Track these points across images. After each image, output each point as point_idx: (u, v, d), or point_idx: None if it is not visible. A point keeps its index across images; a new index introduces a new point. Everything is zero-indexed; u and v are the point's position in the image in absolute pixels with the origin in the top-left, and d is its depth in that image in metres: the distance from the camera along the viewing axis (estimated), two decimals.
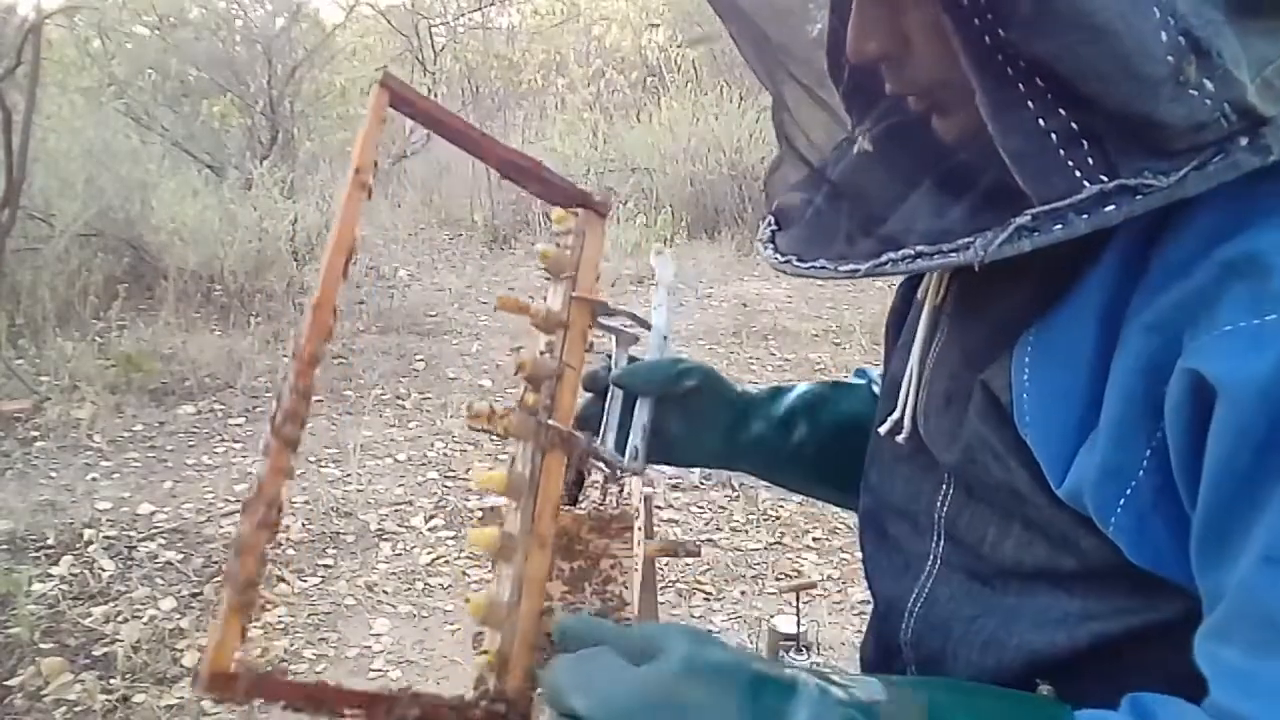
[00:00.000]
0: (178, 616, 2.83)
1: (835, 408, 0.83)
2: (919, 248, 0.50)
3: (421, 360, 5.11)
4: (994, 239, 0.46)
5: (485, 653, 0.63)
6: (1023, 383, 0.52)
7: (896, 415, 0.64)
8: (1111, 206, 0.44)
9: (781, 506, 3.44)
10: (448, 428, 4.23)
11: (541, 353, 0.74)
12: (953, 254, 0.48)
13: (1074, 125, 0.44)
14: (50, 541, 3.18)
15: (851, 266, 0.54)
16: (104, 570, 3.04)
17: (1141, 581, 0.49)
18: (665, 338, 0.81)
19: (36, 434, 4.00)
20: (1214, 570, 0.45)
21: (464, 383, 4.82)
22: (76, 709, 2.44)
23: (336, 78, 7.42)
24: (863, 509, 0.71)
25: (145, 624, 2.77)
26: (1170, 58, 0.42)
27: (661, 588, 2.85)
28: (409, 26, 7.83)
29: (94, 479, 3.68)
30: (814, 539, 3.31)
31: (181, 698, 2.51)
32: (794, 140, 0.67)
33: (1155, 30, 0.41)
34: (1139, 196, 0.43)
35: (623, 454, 0.75)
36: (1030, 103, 0.44)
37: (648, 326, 0.82)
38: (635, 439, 0.75)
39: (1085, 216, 0.44)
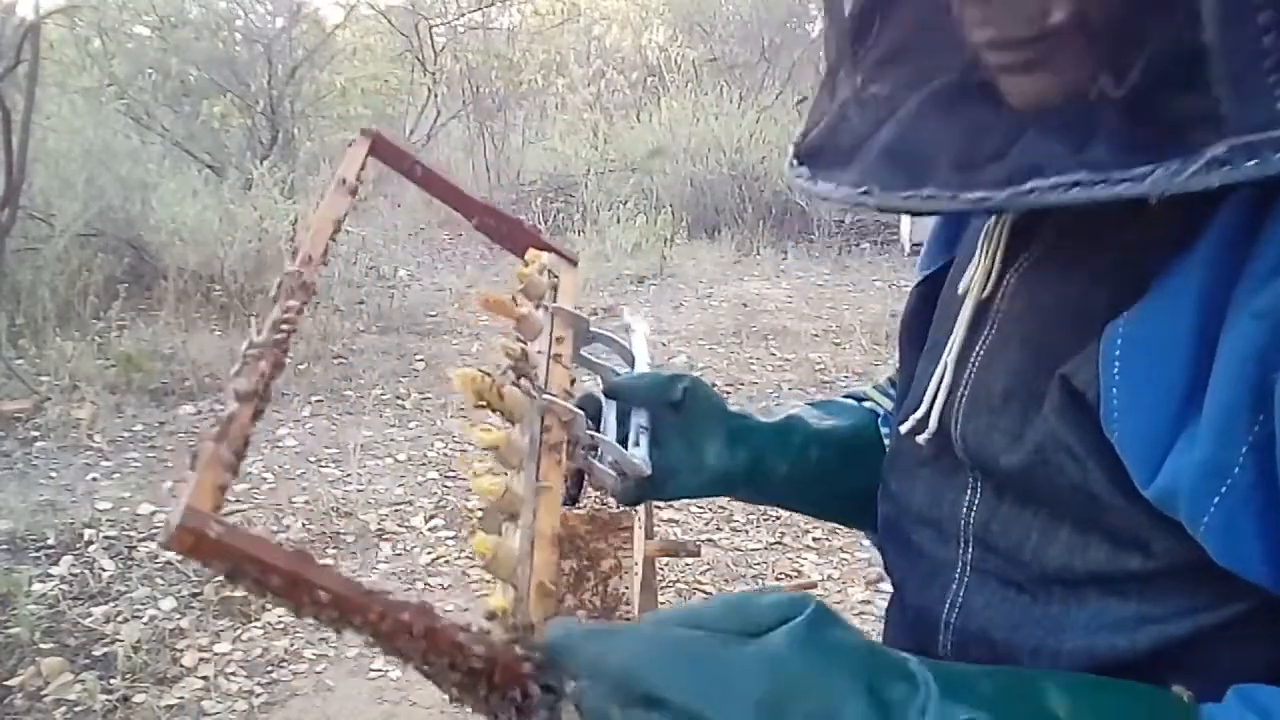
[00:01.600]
0: (178, 616, 2.83)
1: (834, 423, 0.80)
2: (1079, 175, 0.43)
3: (421, 360, 5.11)
4: (1182, 169, 0.41)
5: (494, 614, 0.57)
6: (1113, 376, 0.48)
7: (920, 414, 0.61)
8: None
9: None
10: (448, 428, 4.23)
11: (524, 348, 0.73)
12: (1125, 183, 0.42)
13: None
14: (50, 541, 3.18)
15: (980, 195, 0.47)
16: (104, 570, 3.04)
17: (1206, 582, 0.48)
18: (649, 365, 0.80)
19: (36, 434, 4.00)
20: None
21: None
22: (76, 709, 2.44)
23: (336, 78, 7.42)
24: (882, 518, 0.69)
25: (145, 624, 2.77)
26: None
27: (661, 588, 2.85)
28: (409, 26, 7.81)
29: (94, 479, 3.68)
30: (814, 539, 3.31)
31: (181, 698, 2.51)
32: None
33: None
34: None
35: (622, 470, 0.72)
36: (1259, 17, 0.40)
37: (630, 355, 0.80)
38: (634, 437, 0.72)
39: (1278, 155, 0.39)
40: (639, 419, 0.73)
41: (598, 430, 0.72)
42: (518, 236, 0.83)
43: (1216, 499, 0.45)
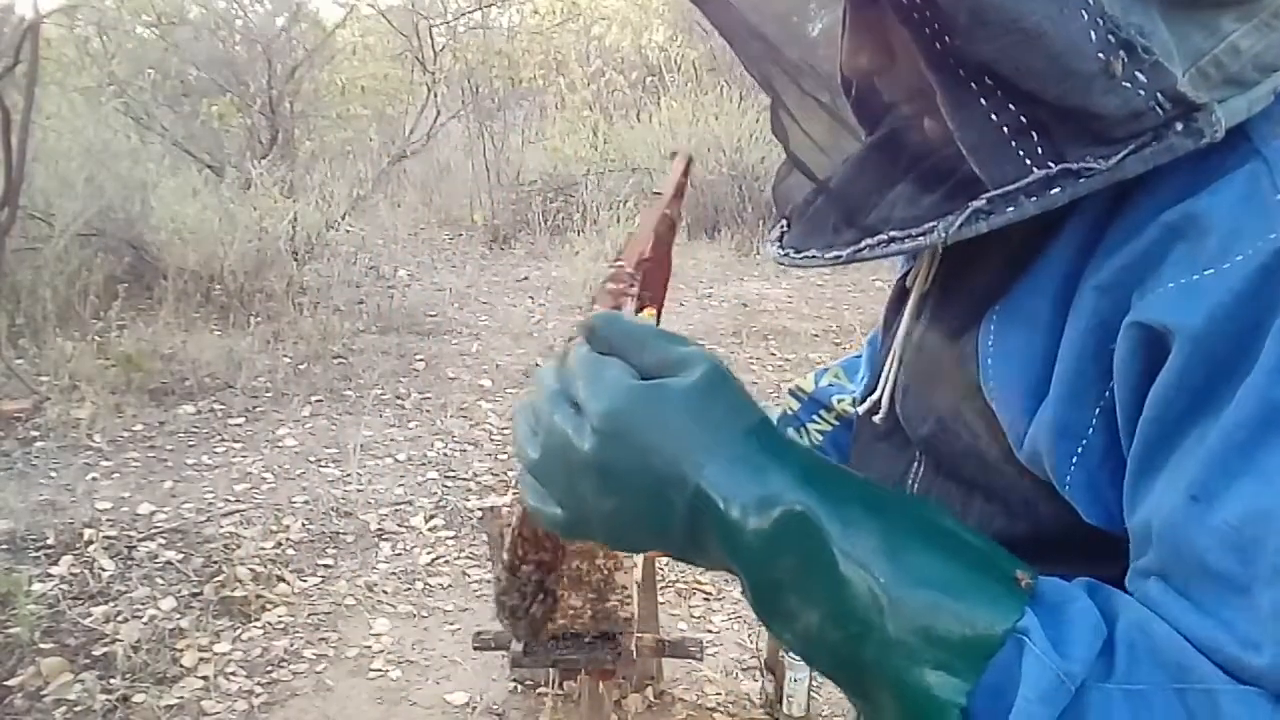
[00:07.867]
0: (178, 616, 2.83)
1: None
2: (892, 233, 0.55)
3: (421, 360, 5.11)
4: (954, 221, 0.51)
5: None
6: (988, 348, 0.55)
7: (876, 396, 0.67)
8: (1056, 189, 0.48)
9: None
10: (448, 428, 4.23)
11: None
12: (920, 237, 0.53)
13: (1023, 119, 0.48)
14: (50, 541, 3.18)
15: (835, 253, 0.60)
16: (104, 570, 3.04)
17: (1093, 549, 0.51)
18: None
19: (36, 434, 4.00)
20: (1140, 507, 0.47)
21: (464, 383, 4.82)
22: (76, 709, 2.44)
23: (336, 77, 7.42)
24: None
25: (145, 624, 2.77)
26: (1100, 55, 0.45)
27: (661, 588, 2.85)
28: (409, 26, 7.80)
29: (94, 479, 3.68)
30: None
31: (181, 698, 2.51)
32: (797, 150, 0.71)
33: (1084, 30, 0.45)
34: (1081, 179, 0.47)
35: None
36: (983, 100, 0.48)
37: None
38: None
39: (1034, 199, 0.48)
40: None
41: None
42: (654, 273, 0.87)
43: (1075, 459, 0.50)
